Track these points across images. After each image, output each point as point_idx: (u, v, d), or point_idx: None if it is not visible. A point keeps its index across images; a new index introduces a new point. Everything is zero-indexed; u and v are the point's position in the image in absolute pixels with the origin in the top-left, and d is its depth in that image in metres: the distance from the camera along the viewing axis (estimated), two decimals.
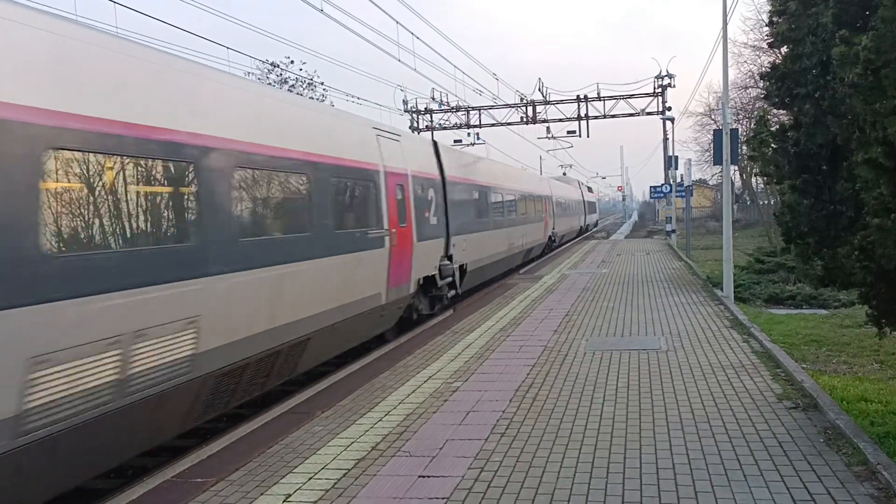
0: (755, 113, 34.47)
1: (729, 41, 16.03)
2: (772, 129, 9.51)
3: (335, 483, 5.40)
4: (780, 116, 18.53)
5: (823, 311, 14.83)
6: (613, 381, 8.08)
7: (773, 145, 8.83)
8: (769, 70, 8.81)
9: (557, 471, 5.43)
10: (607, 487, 5.06)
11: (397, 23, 22.38)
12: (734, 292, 15.17)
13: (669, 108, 39.23)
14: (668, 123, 39.19)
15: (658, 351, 9.58)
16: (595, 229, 63.73)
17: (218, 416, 7.76)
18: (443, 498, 5.01)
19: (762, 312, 14.48)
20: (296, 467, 5.80)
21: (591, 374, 8.45)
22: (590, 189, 66.56)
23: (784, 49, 8.64)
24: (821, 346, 10.94)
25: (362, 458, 5.90)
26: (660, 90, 39.21)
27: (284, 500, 5.14)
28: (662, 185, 39.12)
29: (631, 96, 39.75)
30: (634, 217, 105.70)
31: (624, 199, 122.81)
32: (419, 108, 40.80)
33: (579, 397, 7.46)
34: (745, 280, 18.42)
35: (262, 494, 5.27)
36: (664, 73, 39.42)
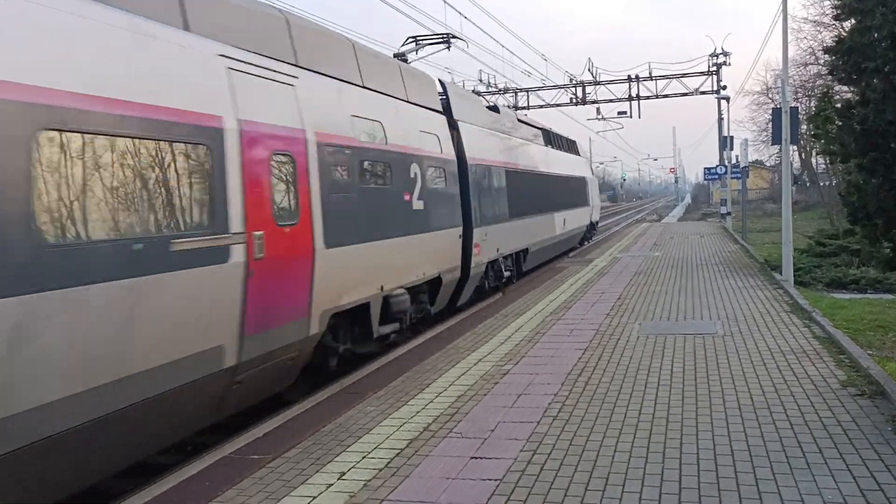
0: (816, 91, 33.23)
1: (788, 16, 15.43)
2: (836, 105, 9.15)
3: (388, 462, 5.44)
4: (843, 93, 17.83)
5: (890, 296, 14.25)
6: (668, 365, 7.93)
7: (837, 122, 8.51)
8: (834, 44, 8.47)
9: (612, 454, 5.36)
10: (664, 472, 4.97)
11: (445, 3, 22.25)
12: (794, 276, 14.71)
13: (724, 87, 38.19)
14: (724, 103, 38.22)
15: (714, 335, 9.36)
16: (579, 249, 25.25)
17: (268, 399, 7.92)
18: (495, 479, 5.00)
19: (824, 297, 13.99)
20: (349, 446, 5.86)
21: (645, 358, 8.31)
22: (571, 146, 24.99)
23: (850, 22, 8.28)
24: (887, 332, 10.53)
25: (414, 439, 5.93)
26: (714, 69, 38.20)
27: (339, 478, 5.20)
28: (717, 166, 38.18)
29: (684, 75, 38.80)
30: (687, 199, 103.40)
31: (676, 182, 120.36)
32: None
33: (633, 382, 7.34)
34: (806, 263, 17.85)
35: (317, 472, 5.35)
36: (719, 50, 38.38)
